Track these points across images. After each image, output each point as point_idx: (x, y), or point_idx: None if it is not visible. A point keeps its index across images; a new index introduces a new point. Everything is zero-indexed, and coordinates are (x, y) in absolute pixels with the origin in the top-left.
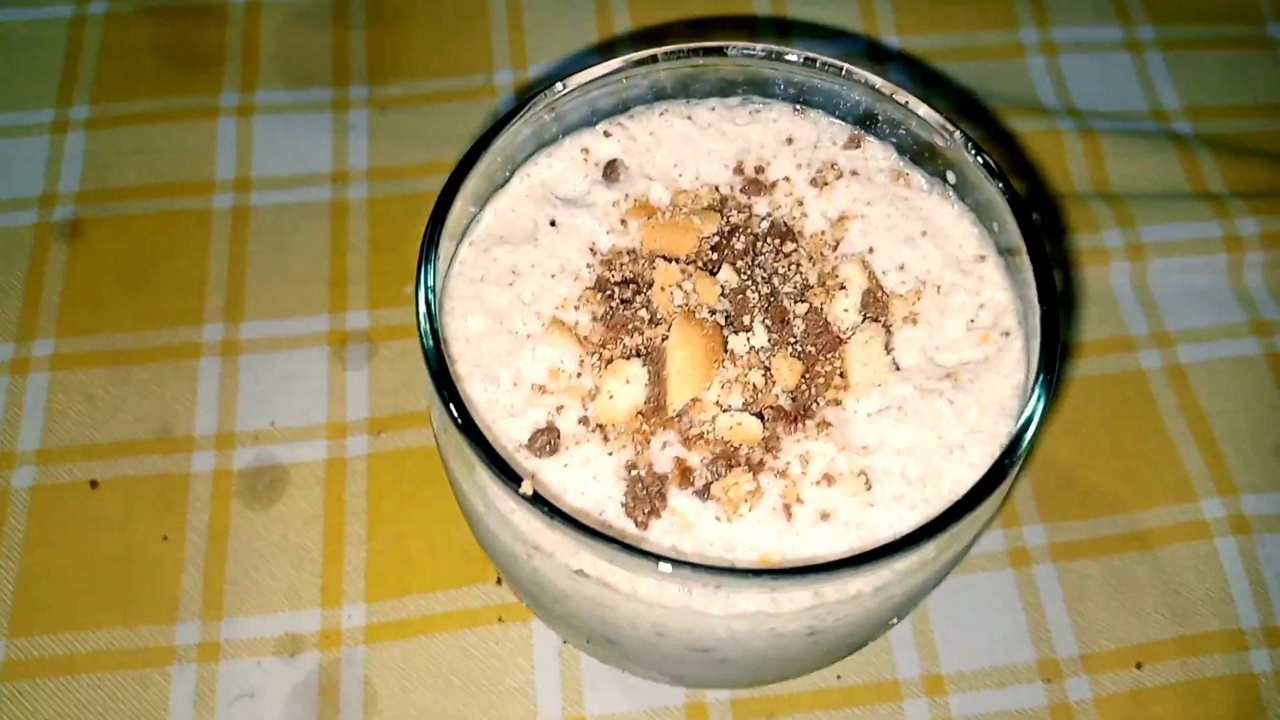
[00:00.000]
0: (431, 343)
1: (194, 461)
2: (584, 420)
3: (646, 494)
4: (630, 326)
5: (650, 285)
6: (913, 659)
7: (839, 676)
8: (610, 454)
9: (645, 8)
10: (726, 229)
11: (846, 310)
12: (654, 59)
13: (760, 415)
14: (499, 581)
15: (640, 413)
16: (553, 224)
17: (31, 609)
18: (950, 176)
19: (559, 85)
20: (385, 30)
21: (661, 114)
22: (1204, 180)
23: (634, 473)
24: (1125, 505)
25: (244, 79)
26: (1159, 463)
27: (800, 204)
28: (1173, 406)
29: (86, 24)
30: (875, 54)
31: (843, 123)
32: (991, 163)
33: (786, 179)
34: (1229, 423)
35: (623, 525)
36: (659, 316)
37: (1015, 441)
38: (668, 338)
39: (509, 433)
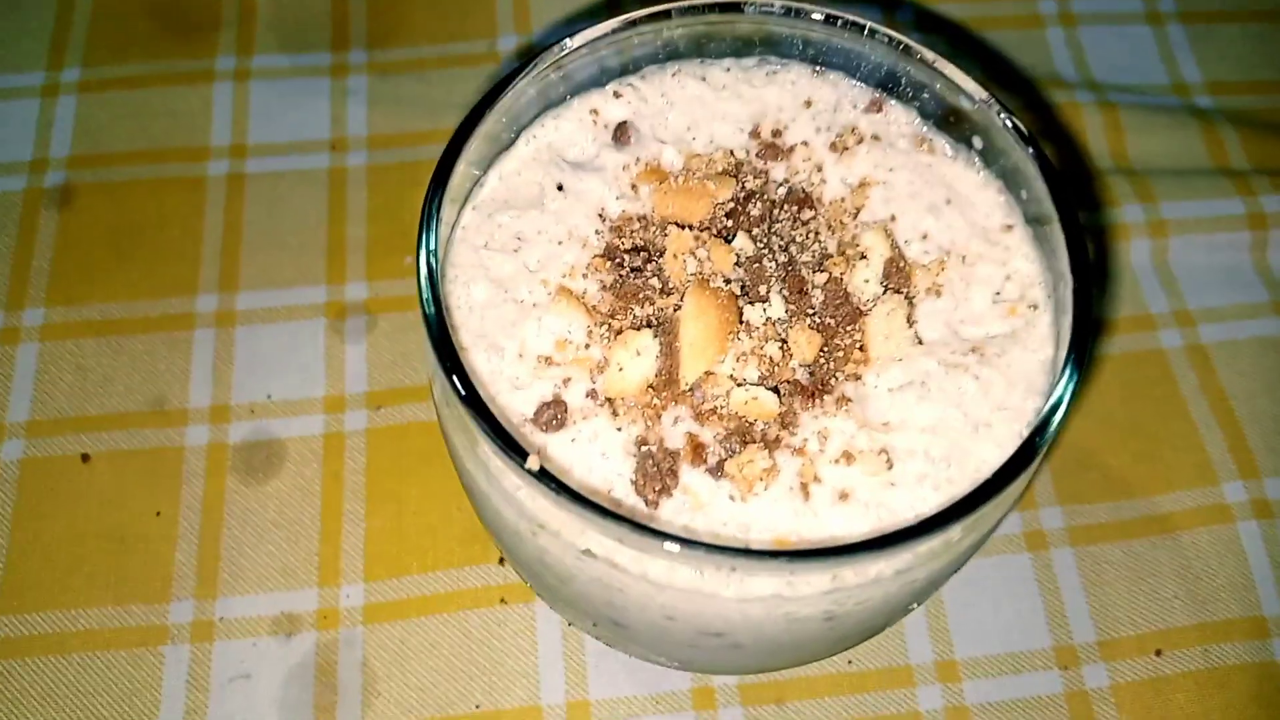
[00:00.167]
0: (433, 311)
1: (188, 435)
2: (592, 393)
3: (657, 471)
4: (641, 296)
5: (662, 253)
6: (926, 644)
7: (850, 661)
8: (619, 429)
9: None
10: (742, 195)
11: (867, 281)
12: (667, 14)
13: (776, 390)
14: (501, 561)
15: (651, 386)
16: (560, 188)
17: (20, 586)
18: (976, 142)
19: (566, 42)
20: None
21: (674, 74)
22: (1227, 156)
23: (644, 449)
24: (1145, 488)
25: (240, 42)
26: (1180, 445)
27: (819, 169)
28: (1194, 387)
29: None
30: (891, 25)
31: (864, 85)
32: (1022, 127)
33: (805, 143)
34: (1252, 404)
35: (632, 504)
36: (671, 286)
37: (1046, 420)
38: (680, 308)
39: (514, 406)
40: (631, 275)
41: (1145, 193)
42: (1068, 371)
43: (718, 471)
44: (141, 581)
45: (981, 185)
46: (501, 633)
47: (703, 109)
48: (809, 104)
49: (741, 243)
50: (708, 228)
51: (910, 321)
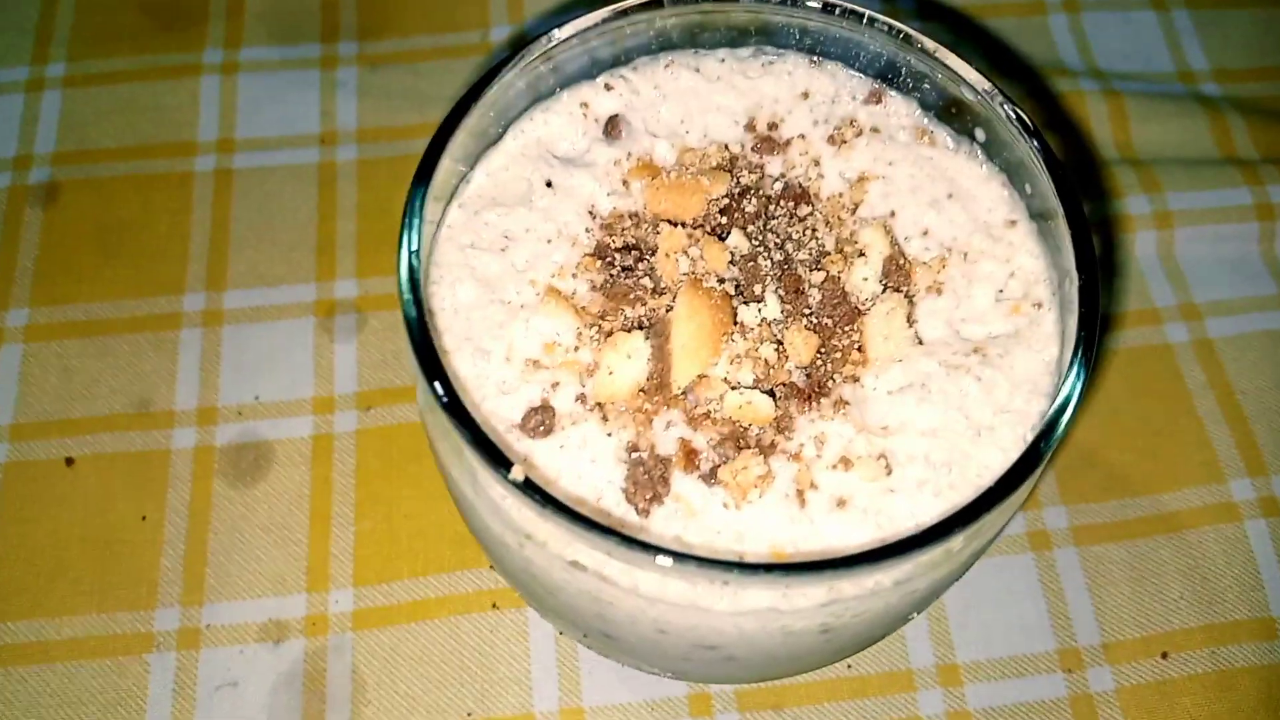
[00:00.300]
0: (415, 313)
1: (174, 438)
2: (581, 398)
3: (648, 478)
4: (632, 296)
5: (654, 251)
6: (927, 648)
7: (849, 666)
8: (610, 435)
9: None
10: (736, 190)
11: (866, 279)
12: (659, 3)
13: (772, 393)
14: (493, 566)
15: (642, 390)
16: (549, 185)
17: (3, 593)
18: (979, 134)
19: (555, 32)
20: None
21: (667, 66)
22: (1234, 145)
23: (635, 455)
24: (1150, 486)
25: (228, 35)
26: (1186, 442)
27: (816, 164)
28: (1200, 383)
29: None
30: (891, 13)
31: (863, 76)
32: (1026, 119)
33: (802, 137)
34: (1260, 400)
35: (623, 513)
36: (663, 285)
37: (1051, 423)
38: (672, 308)
39: (500, 411)
40: (622, 275)
41: (1151, 183)
42: (1074, 372)
43: (711, 478)
44: (126, 588)
45: (984, 179)
46: (493, 639)
47: (696, 101)
48: (806, 95)
49: (736, 240)
50: (701, 225)
51: (910, 321)
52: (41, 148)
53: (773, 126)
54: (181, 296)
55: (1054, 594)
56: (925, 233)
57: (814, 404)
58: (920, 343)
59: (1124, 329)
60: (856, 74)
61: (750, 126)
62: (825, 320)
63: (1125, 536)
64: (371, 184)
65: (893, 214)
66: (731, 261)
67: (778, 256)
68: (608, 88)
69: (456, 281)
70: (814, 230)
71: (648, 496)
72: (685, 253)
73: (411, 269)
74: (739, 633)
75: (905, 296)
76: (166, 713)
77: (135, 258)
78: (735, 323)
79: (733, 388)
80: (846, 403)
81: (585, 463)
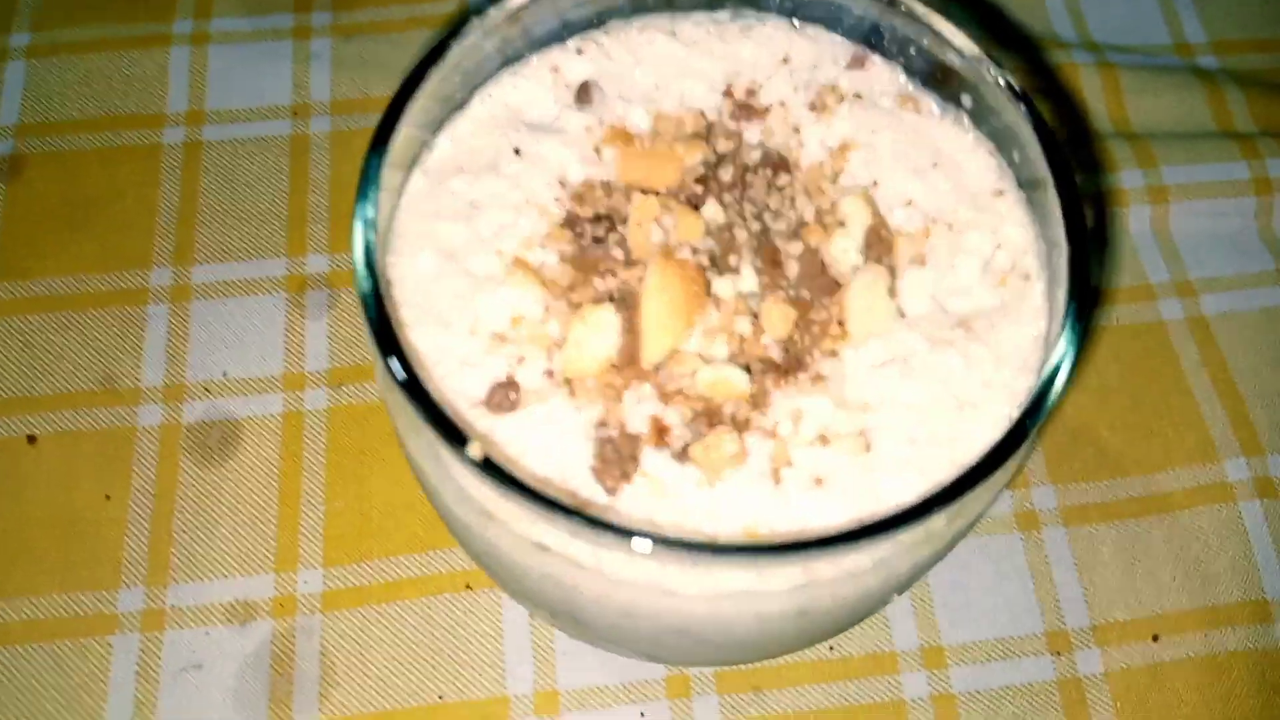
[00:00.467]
0: (369, 285)
1: (140, 415)
2: (549, 373)
3: (617, 456)
4: (602, 268)
5: (626, 222)
6: (911, 629)
7: (831, 648)
8: (577, 411)
9: None
10: (713, 159)
11: (846, 250)
12: None
13: (747, 368)
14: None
15: (612, 365)
16: (517, 152)
17: None
18: (966, 100)
19: None
20: None
21: (641, 29)
22: (1231, 118)
23: (604, 432)
24: (1142, 466)
25: (198, 5)
26: (1179, 420)
27: (796, 131)
28: (1195, 360)
29: None
30: None
31: (846, 40)
32: (1015, 84)
33: (781, 103)
34: (1255, 378)
35: (590, 492)
36: (635, 257)
37: (1038, 399)
38: (645, 280)
39: (463, 387)
40: (593, 245)
41: (1145, 157)
42: (1063, 347)
43: (683, 456)
44: (90, 568)
45: (971, 147)
46: (466, 620)
47: (672, 67)
48: (786, 61)
49: (711, 210)
50: (676, 194)
51: (892, 294)
52: (4, 119)
53: (751, 93)
54: (148, 271)
55: (1042, 575)
56: (909, 203)
57: (791, 379)
58: (903, 316)
59: (1117, 305)
60: (839, 38)
61: (728, 93)
62: (803, 293)
63: (1116, 517)
64: (345, 157)
65: (875, 183)
66: (706, 232)
67: (755, 227)
68: (579, 52)
69: (418, 252)
70: (793, 200)
71: (616, 475)
72: (658, 222)
73: (367, 240)
74: (710, 616)
75: (887, 268)
76: (130, 696)
77: (101, 232)
78: (709, 295)
79: (706, 362)
80: (825, 378)
81: (552, 440)
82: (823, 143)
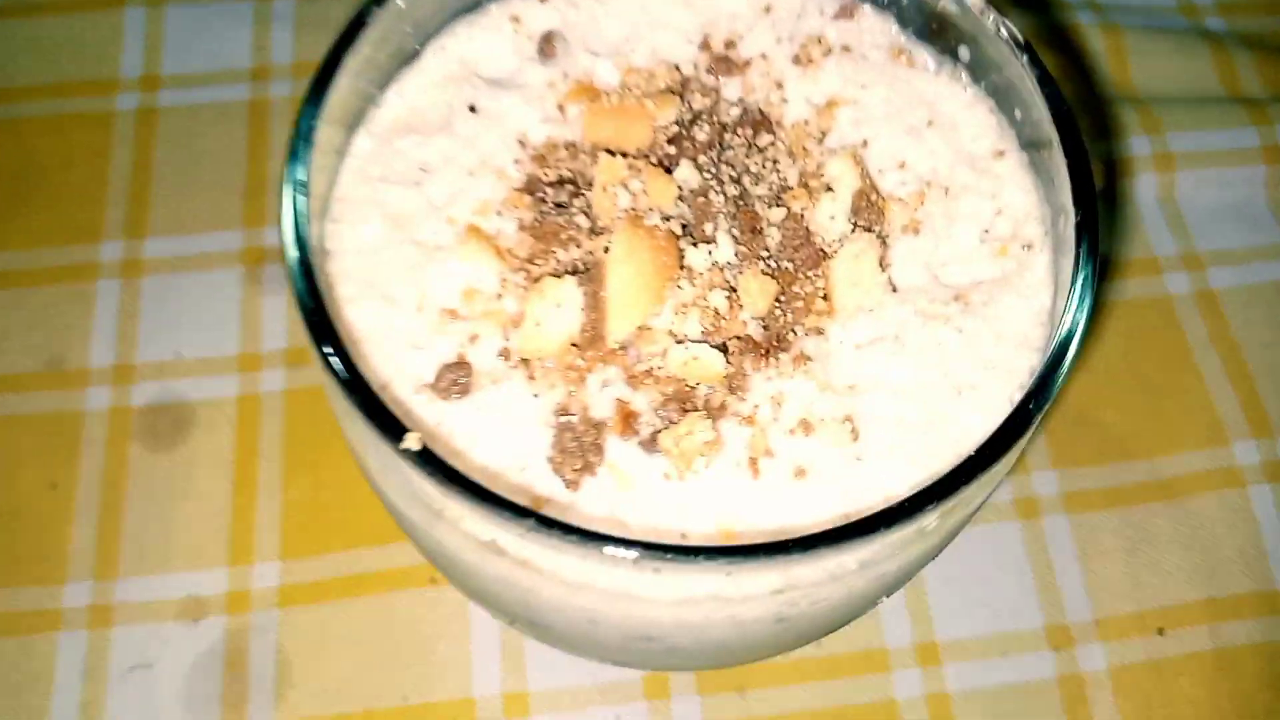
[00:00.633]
0: (297, 254)
1: (88, 398)
2: (504, 353)
3: (579, 445)
4: (565, 236)
5: (591, 185)
6: (903, 624)
7: (818, 644)
8: (536, 395)
9: None
10: (688, 117)
11: (833, 217)
12: None
13: (723, 347)
14: None
15: (574, 344)
16: (473, 109)
17: None
18: (963, 53)
19: None
20: None
21: None
22: (1239, 83)
23: (564, 419)
24: (1148, 449)
25: None
26: (1186, 401)
27: (779, 87)
28: (1202, 337)
29: None
30: None
31: None
32: (1016, 34)
33: (763, 56)
34: (1265, 356)
35: (549, 485)
36: (601, 224)
37: (1043, 380)
38: (610, 250)
39: (409, 369)
40: (555, 212)
41: (1151, 123)
42: (1070, 322)
43: (651, 445)
44: (34, 561)
45: (969, 104)
46: (431, 617)
47: (643, 16)
48: (768, 10)
49: (685, 173)
50: (646, 155)
51: (883, 265)
52: None
53: (730, 45)
54: (98, 245)
55: (1042, 566)
56: (901, 165)
57: (771, 359)
58: (894, 289)
59: (1121, 279)
60: None
61: (704, 45)
62: (785, 264)
63: (1120, 503)
64: None
65: (864, 143)
66: (679, 197)
67: (732, 191)
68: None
69: (362, 220)
70: (775, 161)
71: (577, 467)
72: (625, 186)
73: (296, 205)
74: (679, 624)
75: (877, 237)
76: (75, 696)
77: (49, 203)
78: (682, 266)
79: (678, 341)
80: (809, 358)
81: (507, 428)
82: (808, 99)
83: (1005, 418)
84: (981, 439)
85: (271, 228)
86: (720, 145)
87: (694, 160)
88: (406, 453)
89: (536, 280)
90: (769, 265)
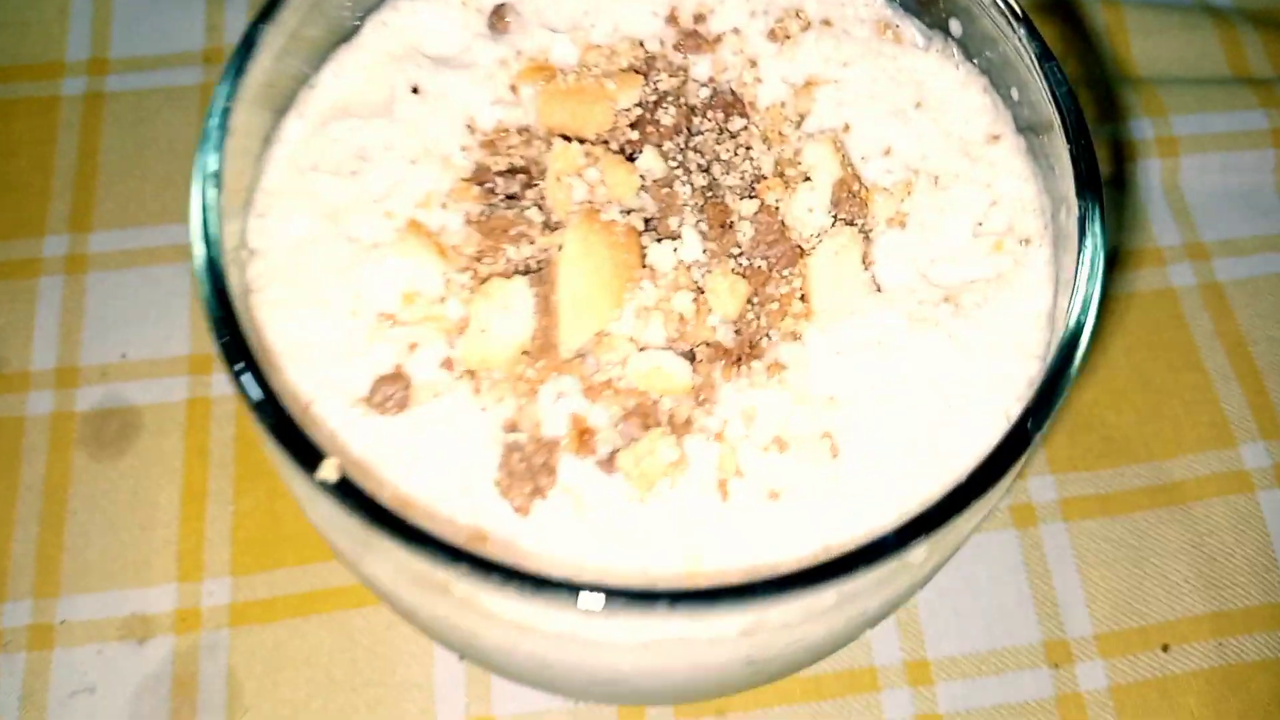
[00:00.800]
0: (204, 253)
1: (28, 403)
2: (447, 363)
3: (527, 466)
4: (515, 232)
5: (545, 175)
6: (893, 642)
7: None
8: (483, 410)
9: None
10: (652, 98)
11: (811, 209)
12: None
13: (689, 355)
14: None
15: (524, 352)
16: (415, 91)
17: None
18: (954, 27)
19: None
20: None
21: None
22: (1246, 63)
23: (513, 436)
24: (1151, 452)
25: None
26: (1191, 400)
27: (753, 65)
28: (1208, 332)
29: None
30: None
31: None
32: (1014, 5)
33: (736, 31)
34: (1274, 352)
35: (496, 512)
36: (555, 219)
37: (1045, 393)
38: (564, 247)
39: (341, 382)
40: (505, 205)
41: (1154, 105)
42: (1075, 326)
43: (609, 465)
44: None
45: (961, 84)
46: (391, 637)
47: None
48: None
49: (648, 161)
50: (606, 141)
51: (866, 262)
52: None
53: (699, 19)
54: (41, 239)
55: (1039, 577)
56: (886, 151)
57: (742, 368)
58: (878, 290)
59: (1123, 271)
60: None
61: (672, 19)
62: (758, 262)
63: (1122, 510)
64: None
65: (846, 127)
66: (642, 188)
67: (700, 181)
68: None
69: (291, 214)
70: (747, 148)
71: (527, 490)
72: (581, 175)
73: (206, 199)
74: (637, 669)
75: (860, 231)
76: None
77: None
78: (644, 265)
79: (640, 349)
80: (783, 366)
81: (449, 446)
82: (784, 79)
83: (1002, 437)
84: (975, 457)
85: None
86: (688, 130)
87: (658, 147)
88: (321, 484)
89: (483, 281)
90: (740, 263)
